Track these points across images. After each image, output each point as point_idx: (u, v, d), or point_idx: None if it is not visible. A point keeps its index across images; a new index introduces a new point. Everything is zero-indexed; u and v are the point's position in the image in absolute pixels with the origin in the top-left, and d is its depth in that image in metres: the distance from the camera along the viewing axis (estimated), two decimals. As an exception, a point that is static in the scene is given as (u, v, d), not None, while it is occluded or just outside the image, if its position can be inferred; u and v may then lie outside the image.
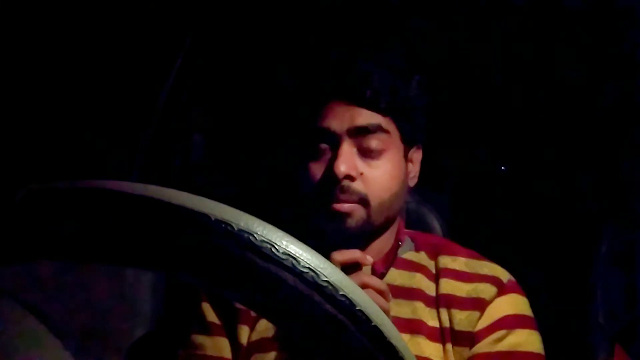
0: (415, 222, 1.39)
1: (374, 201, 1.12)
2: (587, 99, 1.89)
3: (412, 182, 1.21)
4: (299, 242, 0.54)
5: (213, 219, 0.53)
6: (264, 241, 0.53)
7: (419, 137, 1.21)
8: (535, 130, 1.99)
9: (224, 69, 1.97)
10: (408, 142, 1.18)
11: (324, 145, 1.14)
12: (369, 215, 1.13)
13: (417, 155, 1.22)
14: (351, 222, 1.12)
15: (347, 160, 1.11)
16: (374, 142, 1.13)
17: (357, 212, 1.12)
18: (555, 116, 1.95)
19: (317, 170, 1.14)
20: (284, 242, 0.53)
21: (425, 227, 1.42)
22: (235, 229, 0.53)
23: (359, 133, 1.13)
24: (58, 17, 1.78)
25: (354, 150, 1.13)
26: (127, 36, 1.82)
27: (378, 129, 1.13)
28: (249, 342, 1.15)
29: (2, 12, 1.72)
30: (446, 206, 1.56)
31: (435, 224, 1.46)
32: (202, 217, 0.53)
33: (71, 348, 0.61)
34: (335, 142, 1.13)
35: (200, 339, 1.16)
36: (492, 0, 1.88)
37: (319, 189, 1.13)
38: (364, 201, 1.12)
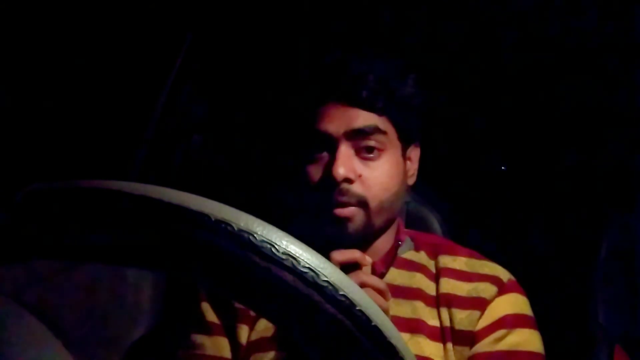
0: (415, 222, 1.39)
1: (373, 202, 1.12)
2: (586, 98, 1.89)
3: (411, 181, 1.21)
4: (299, 242, 0.54)
5: (213, 219, 0.53)
6: (264, 241, 0.53)
7: (416, 135, 1.21)
8: (535, 130, 1.99)
9: (224, 70, 1.97)
10: (406, 141, 1.18)
11: (321, 148, 1.13)
12: (369, 218, 1.13)
13: (415, 153, 1.22)
14: (352, 227, 1.12)
15: (345, 163, 1.10)
16: (371, 143, 1.13)
17: (358, 215, 1.12)
18: (555, 115, 1.95)
19: (316, 173, 1.13)
20: (284, 242, 0.53)
21: (425, 227, 1.42)
22: (235, 229, 0.53)
23: (357, 135, 1.12)
24: (58, 17, 1.79)
25: (352, 152, 1.12)
26: (127, 36, 1.82)
27: (375, 130, 1.13)
28: (248, 342, 1.14)
29: (2, 12, 1.72)
30: (446, 206, 1.56)
31: (435, 224, 1.46)
32: (202, 217, 0.53)
33: (71, 348, 0.61)
34: (332, 144, 1.12)
35: (199, 338, 1.16)
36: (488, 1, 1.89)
37: (318, 193, 1.12)
38: (363, 203, 1.12)
